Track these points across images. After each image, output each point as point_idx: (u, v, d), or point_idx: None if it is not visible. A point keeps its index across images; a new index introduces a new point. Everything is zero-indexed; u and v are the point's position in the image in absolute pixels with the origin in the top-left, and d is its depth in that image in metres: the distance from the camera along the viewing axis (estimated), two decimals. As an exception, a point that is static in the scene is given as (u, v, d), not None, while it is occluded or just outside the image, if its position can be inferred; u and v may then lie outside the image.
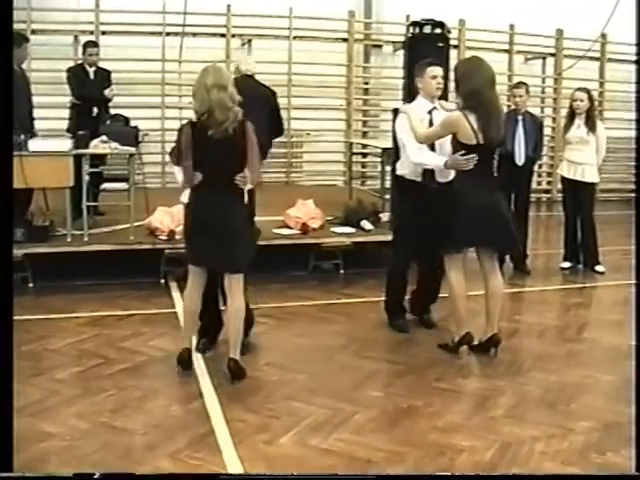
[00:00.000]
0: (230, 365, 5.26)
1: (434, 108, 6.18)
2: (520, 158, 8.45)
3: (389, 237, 7.11)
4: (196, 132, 5.06)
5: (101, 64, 9.43)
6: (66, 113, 9.44)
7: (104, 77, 9.35)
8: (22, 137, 7.26)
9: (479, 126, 5.63)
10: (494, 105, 5.77)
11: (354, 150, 11.94)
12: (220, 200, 5.14)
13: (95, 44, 9.57)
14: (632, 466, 4.03)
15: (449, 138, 5.83)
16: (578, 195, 8.67)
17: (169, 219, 7.80)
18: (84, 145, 7.74)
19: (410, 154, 6.05)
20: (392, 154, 7.29)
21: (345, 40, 13.87)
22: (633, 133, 15.76)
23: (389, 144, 8.22)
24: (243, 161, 5.15)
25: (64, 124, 9.31)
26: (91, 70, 9.26)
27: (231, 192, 5.17)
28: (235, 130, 5.04)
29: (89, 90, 9.11)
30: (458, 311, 5.99)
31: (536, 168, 12.16)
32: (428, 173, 6.09)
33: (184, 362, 5.41)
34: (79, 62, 9.64)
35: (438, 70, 6.17)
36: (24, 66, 8.37)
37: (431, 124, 6.09)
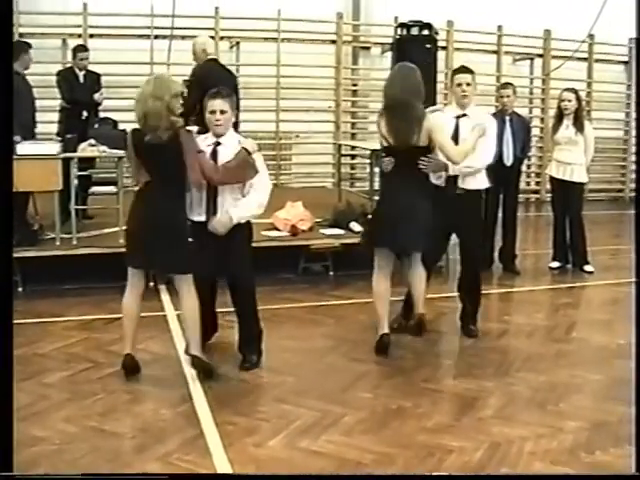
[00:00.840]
0: (194, 362, 5.31)
1: (463, 115, 6.17)
2: (508, 159, 8.46)
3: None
4: (137, 138, 5.29)
5: (89, 67, 9.42)
6: (55, 116, 9.43)
7: (94, 80, 9.34)
8: (18, 139, 7.28)
9: (391, 129, 5.80)
10: (411, 111, 5.78)
11: (343, 152, 11.97)
12: (162, 201, 5.22)
13: (85, 48, 9.55)
14: (623, 464, 4.07)
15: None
16: (567, 195, 8.70)
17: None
18: (72, 148, 7.73)
19: None
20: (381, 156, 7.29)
21: (333, 42, 13.89)
22: (621, 133, 15.89)
23: (377, 146, 8.20)
24: (180, 166, 5.21)
25: (53, 127, 9.30)
26: (81, 74, 9.25)
27: (171, 194, 5.26)
28: (170, 137, 5.17)
29: (79, 94, 9.10)
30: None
31: (525, 169, 12.25)
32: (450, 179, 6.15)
33: (130, 368, 5.43)
34: (69, 66, 9.63)
35: (463, 77, 6.18)
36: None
37: (456, 130, 6.12)
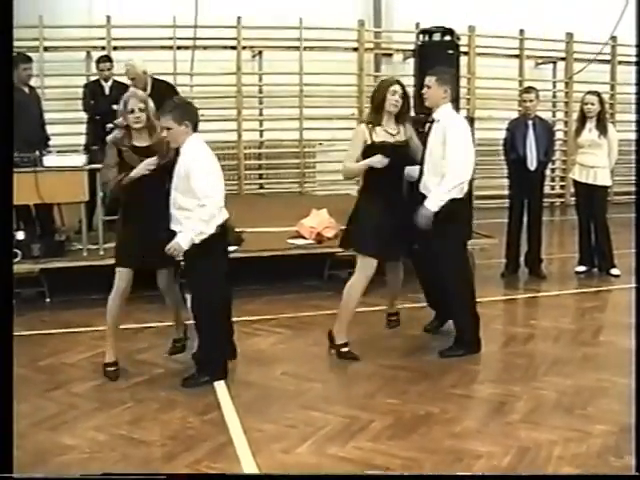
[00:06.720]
0: None
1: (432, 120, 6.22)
2: (532, 163, 8.44)
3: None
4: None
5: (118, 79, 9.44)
6: (80, 128, 9.49)
7: (120, 91, 9.30)
8: (37, 153, 7.32)
9: None
10: None
11: (366, 159, 11.94)
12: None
13: (108, 58, 9.51)
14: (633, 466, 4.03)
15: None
16: (591, 198, 8.66)
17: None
18: (98, 160, 7.78)
19: None
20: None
21: (355, 49, 13.89)
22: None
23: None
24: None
25: (78, 139, 9.36)
26: (107, 85, 9.24)
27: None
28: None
29: (102, 105, 9.10)
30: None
31: (549, 172, 12.18)
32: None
33: (112, 374, 5.60)
34: (95, 78, 9.64)
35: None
36: (36, 82, 8.45)
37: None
